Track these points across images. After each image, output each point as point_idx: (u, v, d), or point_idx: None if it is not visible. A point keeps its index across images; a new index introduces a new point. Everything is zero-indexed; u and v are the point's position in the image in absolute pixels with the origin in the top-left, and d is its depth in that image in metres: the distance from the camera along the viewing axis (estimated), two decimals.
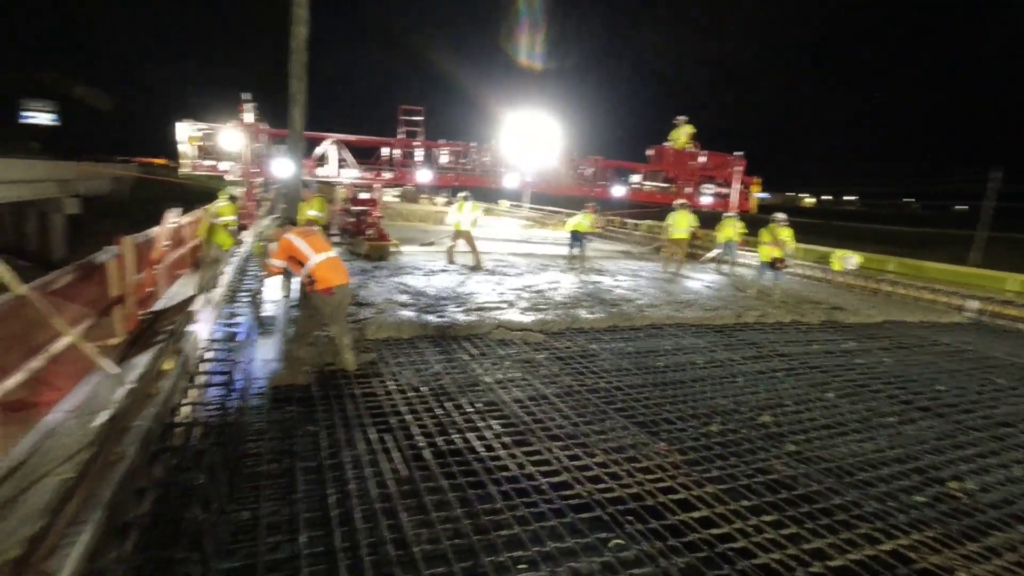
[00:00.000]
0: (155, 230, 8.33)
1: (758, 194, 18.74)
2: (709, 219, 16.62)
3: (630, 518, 3.17)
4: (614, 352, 6.53)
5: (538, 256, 15.07)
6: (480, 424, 4.24)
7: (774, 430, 4.63)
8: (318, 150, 14.35)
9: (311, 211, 10.14)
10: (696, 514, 3.27)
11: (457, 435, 4.02)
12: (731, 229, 14.15)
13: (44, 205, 38.11)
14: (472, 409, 4.52)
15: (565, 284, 10.48)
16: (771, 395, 5.50)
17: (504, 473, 3.55)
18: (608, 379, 5.53)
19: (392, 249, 12.41)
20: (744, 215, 16.03)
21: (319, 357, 5.24)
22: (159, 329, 6.35)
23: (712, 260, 15.13)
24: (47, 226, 38.64)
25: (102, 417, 3.95)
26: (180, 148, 13.11)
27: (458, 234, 11.86)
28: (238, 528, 2.79)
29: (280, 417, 4.10)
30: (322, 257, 4.73)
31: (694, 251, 16.31)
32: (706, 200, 18.27)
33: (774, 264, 10.66)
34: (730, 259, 14.13)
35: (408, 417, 4.28)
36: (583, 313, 8.03)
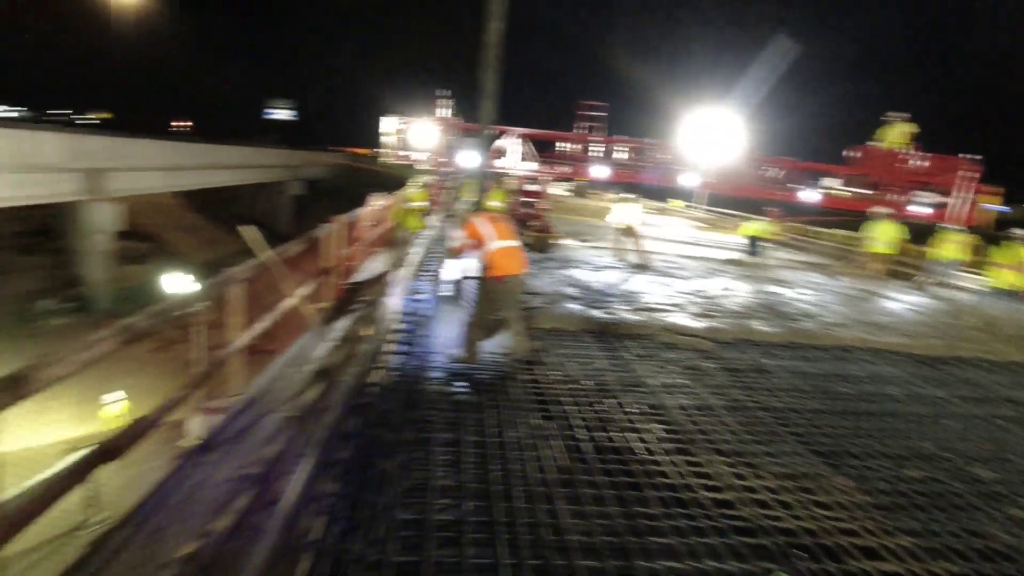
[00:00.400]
0: (360, 211, 9.48)
1: (994, 206, 15.65)
2: (921, 232, 14.30)
3: (802, 553, 2.91)
4: (791, 371, 5.97)
5: (711, 260, 14.27)
6: (641, 426, 4.18)
7: (994, 488, 3.89)
8: (500, 142, 15.10)
9: (493, 201, 10.71)
10: (885, 567, 2.89)
11: (617, 433, 4.01)
12: (953, 246, 12.02)
13: (277, 186, 45.41)
14: (634, 409, 4.47)
15: (739, 292, 9.80)
16: (991, 445, 4.62)
17: (663, 479, 3.47)
18: (783, 399, 5.09)
19: (552, 241, 12.62)
20: (970, 230, 13.51)
21: (493, 339, 5.54)
22: (357, 298, 7.25)
23: (926, 280, 13.04)
24: (277, 203, 45.98)
25: (312, 368, 4.63)
26: (384, 139, 14.70)
27: (625, 231, 11.70)
28: (413, 484, 3.11)
29: (453, 390, 4.45)
30: (501, 244, 4.93)
31: (901, 268, 14.18)
32: (919, 210, 15.73)
33: (1013, 292, 8.84)
34: (946, 280, 12.04)
35: (570, 408, 4.36)
36: (757, 325, 7.46)
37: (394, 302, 5.23)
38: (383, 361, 4.10)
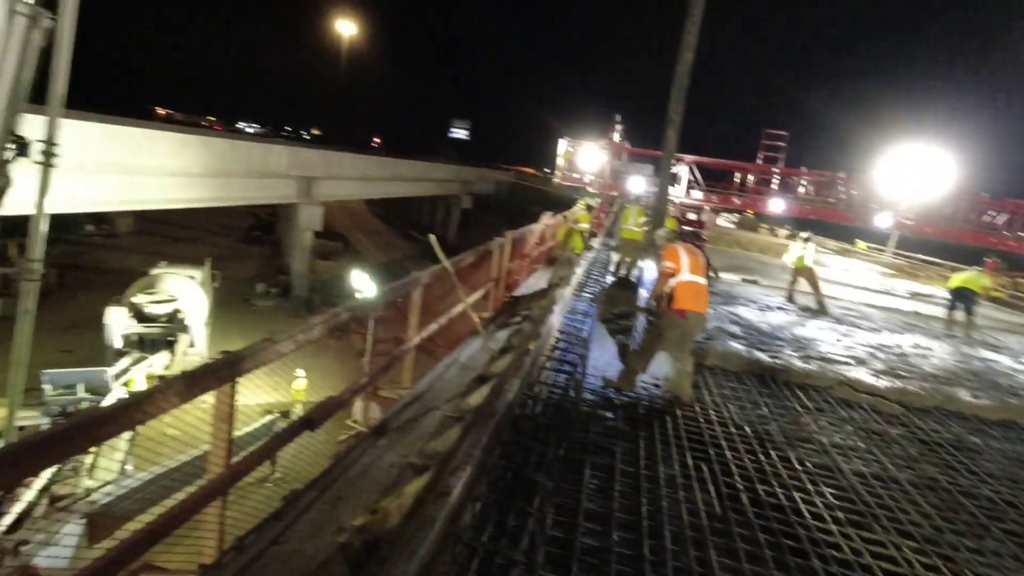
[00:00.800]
0: (530, 228, 9.86)
1: None
2: None
3: None
4: (1008, 455, 5.00)
5: (902, 312, 12.51)
6: (809, 486, 3.79)
7: None
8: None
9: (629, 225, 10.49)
10: None
11: (781, 490, 3.68)
12: None
13: (450, 199, 48.97)
14: (800, 467, 4.07)
15: (939, 352, 8.45)
16: None
17: (833, 552, 3.10)
18: (995, 487, 4.27)
19: (711, 274, 11.90)
20: None
21: (654, 372, 5.40)
22: (519, 311, 7.53)
23: None
24: (447, 215, 49.52)
25: (474, 374, 4.90)
26: (558, 161, 15.18)
27: (799, 271, 10.72)
28: (562, 503, 3.14)
29: (607, 415, 4.43)
30: (691, 278, 4.79)
31: None
32: None
33: None
34: None
35: (728, 454, 4.11)
36: (964, 394, 6.36)
37: (557, 319, 5.35)
38: (542, 376, 4.21)
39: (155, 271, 18.28)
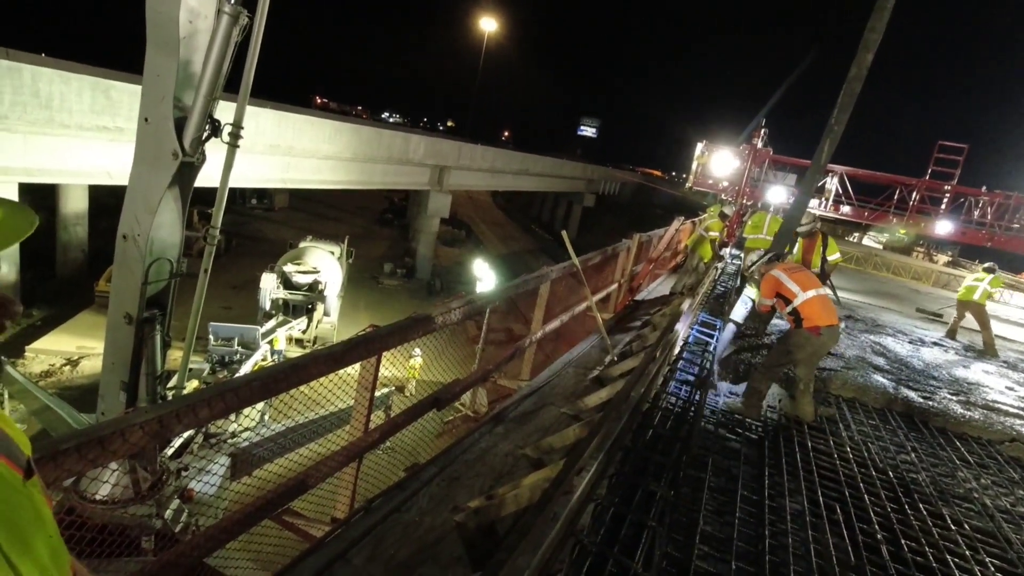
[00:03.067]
0: (659, 232, 9.59)
1: None
2: None
3: None
4: None
5: None
6: (966, 551, 3.34)
7: None
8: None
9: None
10: None
11: (930, 549, 3.27)
12: None
13: (572, 197, 48.95)
14: (956, 528, 3.59)
15: None
16: None
17: None
18: None
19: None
20: None
21: (780, 395, 5.09)
22: (638, 316, 7.37)
23: None
24: (570, 213, 49.55)
25: (593, 374, 4.88)
26: (693, 165, 14.61)
27: (965, 304, 9.40)
28: (675, 519, 3.03)
29: (730, 436, 4.21)
30: (811, 294, 4.50)
31: None
32: None
33: None
34: None
35: (866, 498, 3.73)
36: None
37: (680, 330, 5.18)
38: (664, 387, 4.10)
39: (302, 244, 20.18)
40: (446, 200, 30.13)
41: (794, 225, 6.44)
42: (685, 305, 5.35)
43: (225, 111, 5.15)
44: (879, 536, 3.29)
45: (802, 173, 14.21)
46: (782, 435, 4.45)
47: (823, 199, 14.19)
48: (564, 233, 5.16)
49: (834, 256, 7.37)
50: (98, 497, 4.92)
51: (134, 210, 5.16)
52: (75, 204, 21.55)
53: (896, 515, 3.59)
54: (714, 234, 9.54)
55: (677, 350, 5.03)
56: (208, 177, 5.52)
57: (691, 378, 4.38)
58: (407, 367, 15.92)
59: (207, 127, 5.10)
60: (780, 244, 6.27)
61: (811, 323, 4.43)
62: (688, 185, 16.57)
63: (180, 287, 5.74)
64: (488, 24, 52.89)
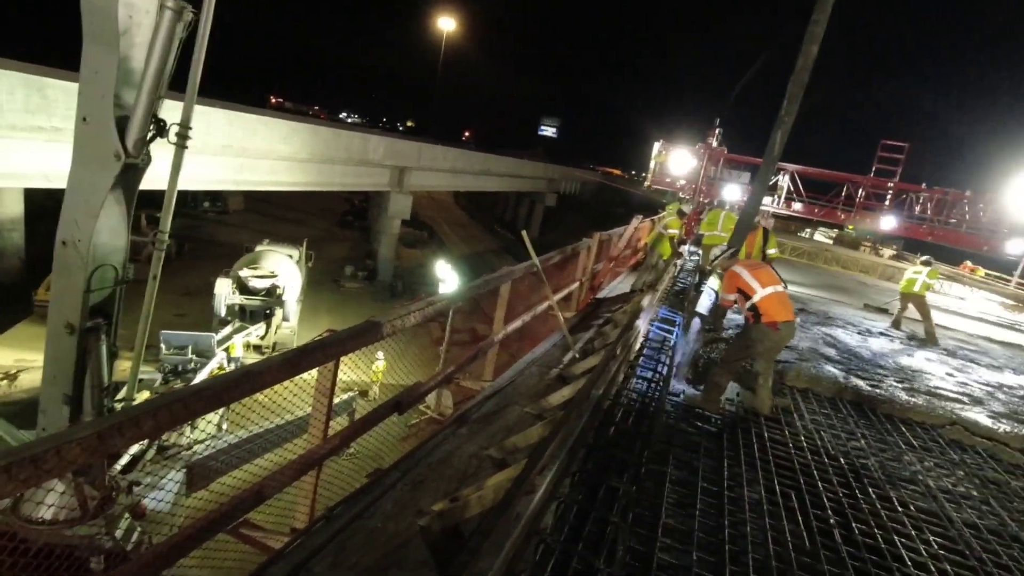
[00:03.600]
0: (619, 230, 9.71)
1: None
2: None
3: None
4: None
5: None
6: (912, 531, 3.49)
7: None
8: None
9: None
10: None
11: (879, 531, 3.41)
12: None
13: (535, 196, 49.20)
14: (903, 509, 3.75)
15: None
16: None
17: None
18: None
19: None
20: None
21: (737, 388, 5.21)
22: (599, 314, 7.45)
23: None
24: (532, 212, 49.78)
25: (555, 373, 4.90)
26: (650, 164, 14.86)
27: (908, 296, 9.88)
28: (638, 514, 3.07)
29: (689, 430, 4.29)
30: (770, 291, 4.64)
31: None
32: None
33: None
34: None
35: (819, 484, 3.86)
36: None
37: (641, 326, 5.25)
38: (625, 383, 4.15)
39: (259, 248, 19.65)
40: (407, 201, 29.83)
41: (750, 221, 6.62)
42: (645, 301, 5.43)
43: (172, 110, 4.96)
44: (832, 521, 3.41)
45: (755, 171, 14.68)
46: (740, 427, 4.56)
47: (775, 196, 14.67)
48: (524, 233, 5.18)
49: (772, 251, 7.72)
50: (41, 518, 4.67)
51: (74, 214, 4.91)
52: (10, 208, 20.39)
53: (848, 500, 3.72)
54: (673, 232, 9.74)
55: (638, 346, 5.10)
56: (156, 179, 5.31)
57: (652, 374, 4.45)
58: (371, 371, 15.69)
59: (151, 127, 4.90)
60: (738, 240, 6.44)
61: (769, 318, 4.57)
62: (647, 184, 16.86)
63: (128, 294, 5.50)
64: (447, 23, 52.60)
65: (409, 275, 30.06)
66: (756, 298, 4.62)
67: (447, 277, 22.26)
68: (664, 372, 4.68)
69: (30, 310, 17.55)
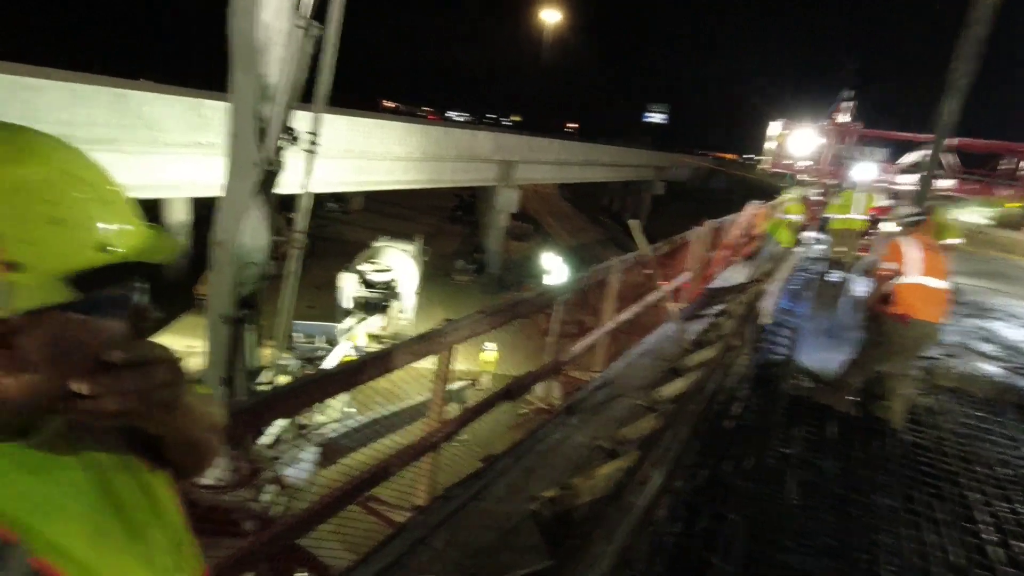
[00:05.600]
0: (732, 217, 9.24)
1: None
2: None
3: None
4: None
5: None
6: None
7: None
8: (911, 155, 12.59)
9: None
10: None
11: None
12: None
13: (642, 185, 47.92)
14: None
15: None
16: None
17: None
18: None
19: None
20: None
21: (871, 388, 4.74)
22: (712, 305, 7.15)
23: None
24: (638, 202, 48.56)
25: (667, 365, 4.79)
26: (767, 145, 13.89)
27: None
28: (755, 513, 2.94)
29: (812, 427, 4.02)
30: (919, 280, 4.03)
31: None
32: None
33: None
34: None
35: (970, 496, 3.45)
36: None
37: (759, 317, 4.98)
38: (743, 376, 3.96)
39: (377, 244, 20.96)
40: (514, 195, 30.29)
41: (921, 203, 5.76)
42: (761, 292, 5.12)
43: (302, 120, 5.43)
44: (984, 536, 3.05)
45: (896, 147, 13.20)
46: (874, 427, 4.18)
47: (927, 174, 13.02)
48: (632, 222, 5.08)
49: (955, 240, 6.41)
50: (205, 483, 5.38)
51: (225, 218, 5.56)
52: (178, 215, 23.46)
53: (1008, 514, 3.30)
54: (794, 217, 9.06)
55: (756, 337, 4.84)
56: (290, 184, 5.86)
57: (771, 367, 4.19)
58: (480, 361, 16.20)
59: (286, 137, 5.42)
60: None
61: (901, 309, 3.99)
62: (763, 167, 15.75)
63: (267, 288, 6.14)
64: (551, 15, 52.52)
65: (517, 267, 30.56)
66: (900, 280, 3.98)
67: (554, 268, 22.36)
68: (785, 365, 4.39)
69: (191, 303, 20.08)
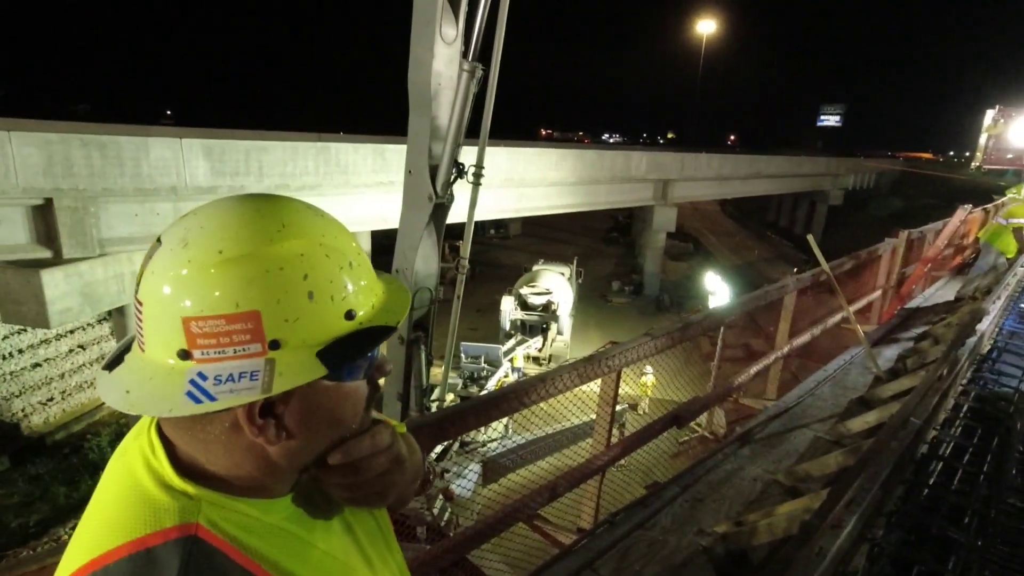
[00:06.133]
0: (935, 226, 8.01)
1: None
2: None
3: None
4: None
5: None
6: None
7: None
8: None
9: None
10: None
11: None
12: None
13: (815, 196, 43.55)
14: None
15: None
16: None
17: None
18: None
19: None
20: None
21: None
22: (910, 326, 6.21)
23: None
24: (813, 213, 44.16)
25: (855, 395, 4.26)
26: (982, 139, 11.86)
27: None
28: (977, 553, 2.46)
29: None
30: None
31: None
32: None
33: None
34: None
35: None
36: None
37: (978, 341, 4.22)
38: (957, 410, 3.37)
39: (535, 267, 21.61)
40: (671, 214, 29.35)
41: None
42: (978, 311, 4.32)
43: (467, 154, 5.86)
44: None
45: None
46: None
47: None
48: (809, 237, 4.63)
49: None
50: None
51: (403, 247, 6.15)
52: (363, 246, 26.59)
53: None
54: (1019, 221, 7.55)
55: (973, 365, 4.10)
56: (455, 214, 6.33)
57: (995, 401, 3.50)
58: (639, 384, 15.78)
59: (454, 171, 5.87)
60: None
61: None
62: (975, 164, 13.39)
63: (437, 311, 6.63)
64: (706, 26, 50.57)
65: (675, 288, 29.42)
66: None
67: (716, 289, 21.13)
68: (1015, 397, 3.64)
69: None
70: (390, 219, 16.83)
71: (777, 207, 50.16)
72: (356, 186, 16.33)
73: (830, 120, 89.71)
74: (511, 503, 2.45)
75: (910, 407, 2.66)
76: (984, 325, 4.34)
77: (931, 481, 2.93)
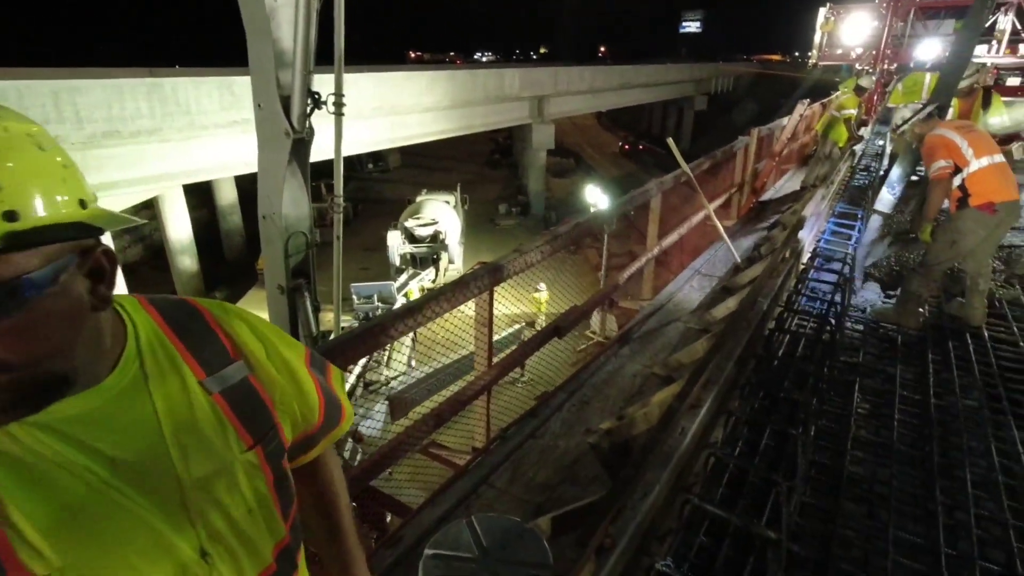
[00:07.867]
0: (781, 122, 8.65)
1: None
2: None
3: None
4: None
5: None
6: None
7: None
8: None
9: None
10: None
11: None
12: None
13: (682, 103, 45.56)
14: None
15: None
16: None
17: None
18: None
19: None
20: None
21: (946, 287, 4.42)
22: (764, 218, 6.81)
23: None
24: (682, 120, 46.34)
25: (719, 285, 4.64)
26: (817, 37, 12.78)
27: None
28: (822, 427, 2.85)
29: (878, 341, 3.82)
30: (985, 161, 3.69)
31: None
32: None
33: None
34: None
35: None
36: None
37: (816, 225, 4.70)
38: (799, 289, 3.77)
39: (419, 198, 21.04)
40: (549, 131, 29.47)
41: (952, 77, 5.25)
42: (817, 197, 4.80)
43: (326, 83, 5.36)
44: None
45: (959, 15, 11.81)
46: (948, 327, 3.93)
47: (993, 41, 11.63)
48: (670, 140, 4.82)
49: (998, 119, 5.74)
50: None
51: (267, 191, 5.64)
52: (227, 196, 24.23)
53: None
54: (849, 112, 8.36)
55: (812, 248, 4.59)
56: (323, 150, 5.86)
57: (830, 279, 3.95)
58: (532, 300, 16.31)
59: (309, 101, 5.38)
60: (941, 99, 5.13)
61: (983, 198, 3.59)
62: (812, 62, 14.50)
63: (318, 255, 6.28)
64: None
65: (561, 205, 30.09)
66: (967, 171, 3.70)
67: (598, 201, 21.89)
68: (844, 276, 4.11)
69: (254, 279, 20.97)
70: (252, 162, 15.41)
71: (649, 117, 52.04)
72: (204, 127, 14.56)
73: (691, 27, 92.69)
74: (395, 437, 2.45)
75: (758, 289, 2.93)
76: (812, 208, 4.83)
77: (780, 352, 3.30)
